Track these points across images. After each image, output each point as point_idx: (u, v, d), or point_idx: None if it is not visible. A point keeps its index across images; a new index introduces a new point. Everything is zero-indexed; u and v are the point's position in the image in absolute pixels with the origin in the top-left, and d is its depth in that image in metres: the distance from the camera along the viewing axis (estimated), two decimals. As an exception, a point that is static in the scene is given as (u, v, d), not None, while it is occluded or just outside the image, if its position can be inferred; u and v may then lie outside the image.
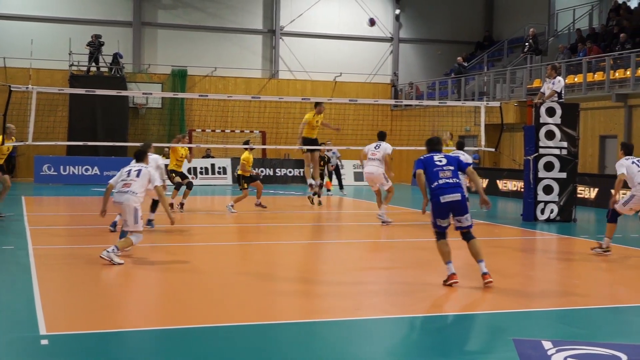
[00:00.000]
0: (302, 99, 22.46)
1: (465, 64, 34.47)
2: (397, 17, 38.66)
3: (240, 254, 12.62)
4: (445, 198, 9.36)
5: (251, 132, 34.17)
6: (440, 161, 9.61)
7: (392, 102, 33.60)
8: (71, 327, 7.35)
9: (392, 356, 6.70)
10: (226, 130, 33.59)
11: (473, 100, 30.58)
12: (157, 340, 7.03)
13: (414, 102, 32.49)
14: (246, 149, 19.19)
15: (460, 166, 9.72)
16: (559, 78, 18.35)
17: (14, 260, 11.27)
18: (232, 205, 18.66)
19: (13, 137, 17.00)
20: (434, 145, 10.02)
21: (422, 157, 9.82)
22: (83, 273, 10.37)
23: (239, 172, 19.19)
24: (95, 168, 29.30)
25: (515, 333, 7.23)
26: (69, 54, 32.02)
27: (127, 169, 11.45)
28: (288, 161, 32.85)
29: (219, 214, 19.18)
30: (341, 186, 26.94)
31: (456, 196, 9.40)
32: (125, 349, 6.69)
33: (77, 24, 33.78)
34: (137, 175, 11.24)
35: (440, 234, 9.57)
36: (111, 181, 11.51)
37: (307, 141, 18.73)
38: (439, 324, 7.92)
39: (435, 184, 9.45)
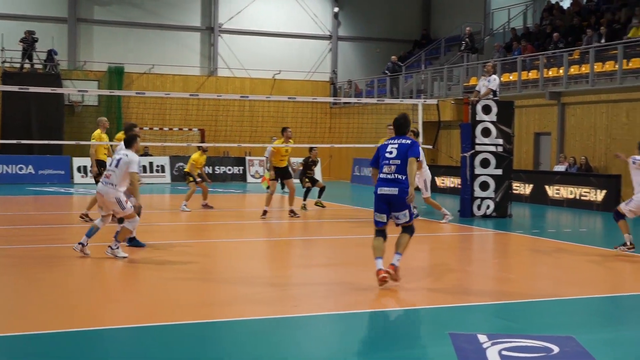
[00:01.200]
0: (241, 97, 22.38)
1: (400, 63, 34.78)
2: (335, 15, 38.80)
3: (181, 252, 12.49)
4: (382, 190, 9.19)
5: (190, 129, 33.94)
6: (390, 152, 9.30)
7: (331, 99, 33.71)
8: (16, 328, 7.19)
9: (331, 353, 6.73)
10: (164, 128, 33.29)
11: (411, 97, 30.86)
12: (106, 339, 6.93)
13: (353, 99, 32.62)
14: (199, 149, 19.27)
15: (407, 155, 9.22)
16: (495, 76, 18.68)
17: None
18: (185, 205, 18.63)
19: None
20: (398, 128, 9.65)
21: (379, 146, 9.59)
22: (22, 273, 10.17)
23: (187, 169, 19.24)
24: (30, 167, 28.74)
25: (451, 327, 7.34)
26: (1, 51, 31.34)
27: (115, 156, 11.44)
28: (227, 159, 32.72)
29: (160, 212, 18.96)
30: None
31: (393, 190, 9.13)
32: (74, 349, 6.57)
33: (9, 20, 33.09)
34: (116, 165, 11.18)
35: (378, 230, 9.35)
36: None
37: (278, 170, 17.88)
38: (377, 319, 7.99)
39: (379, 175, 9.32)
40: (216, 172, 31.54)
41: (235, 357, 6.47)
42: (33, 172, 28.64)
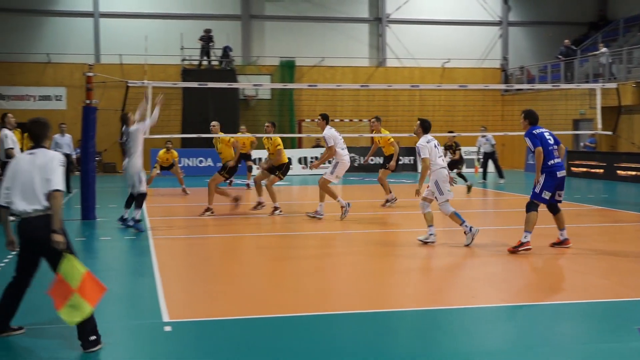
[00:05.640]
0: (412, 87, 22.26)
1: (574, 47, 33.43)
2: (505, 1, 37.85)
3: (350, 241, 12.60)
4: (561, 173, 10.64)
5: (360, 120, 34.22)
6: (550, 139, 10.73)
7: (503, 86, 32.91)
8: (193, 314, 7.54)
9: (523, 343, 6.58)
10: (335, 120, 33.71)
11: (587, 82, 29.64)
12: (277, 327, 7.12)
13: (526, 86, 31.76)
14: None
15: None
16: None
17: (136, 251, 11.67)
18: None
19: None
20: (538, 118, 11.04)
21: (535, 132, 10.76)
22: (201, 261, 10.64)
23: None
24: (209, 159, 29.95)
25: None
26: (181, 49, 32.83)
27: (432, 143, 11.85)
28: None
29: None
30: (500, 175, 25.44)
31: (564, 173, 10.76)
32: (246, 336, 6.80)
33: (188, 19, 34.62)
34: (442, 149, 12.07)
35: (537, 205, 10.66)
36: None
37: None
38: (564, 311, 7.71)
39: (552, 161, 10.59)
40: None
41: (413, 347, 6.47)
42: (212, 164, 29.81)
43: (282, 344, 6.52)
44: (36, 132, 6.66)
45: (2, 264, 9.94)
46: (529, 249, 10.58)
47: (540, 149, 10.52)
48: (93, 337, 6.28)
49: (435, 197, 11.58)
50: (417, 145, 11.87)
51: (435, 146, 11.81)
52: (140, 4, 34.53)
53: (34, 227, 6.33)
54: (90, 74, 15.54)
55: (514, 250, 10.63)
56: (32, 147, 6.61)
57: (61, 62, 33.43)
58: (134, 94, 16.61)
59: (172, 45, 33.48)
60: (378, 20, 36.83)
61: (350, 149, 31.35)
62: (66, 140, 22.48)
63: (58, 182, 6.37)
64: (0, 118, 15.48)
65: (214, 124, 17.16)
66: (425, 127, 12.01)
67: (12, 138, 14.94)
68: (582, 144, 30.83)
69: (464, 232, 11.47)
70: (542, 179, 10.58)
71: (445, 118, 31.55)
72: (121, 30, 34.12)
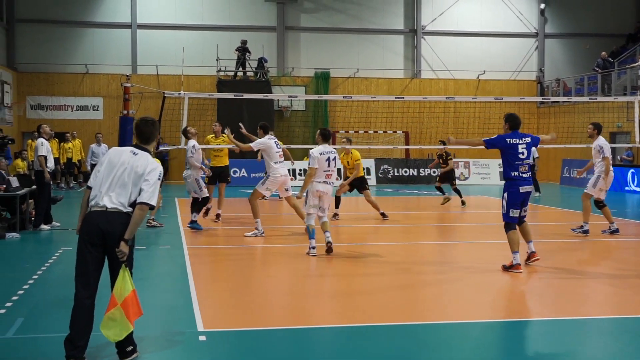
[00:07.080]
0: (447, 99, 22.23)
1: (611, 59, 33.10)
2: (542, 12, 37.63)
3: (390, 253, 12.58)
4: (524, 189, 10.35)
5: (394, 132, 34.19)
6: (522, 153, 10.36)
7: (539, 99, 32.69)
8: (227, 324, 7.59)
9: (556, 357, 6.54)
10: (369, 131, 33.74)
11: (625, 95, 29.34)
12: (310, 338, 7.13)
13: (562, 98, 31.51)
14: None
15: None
16: None
17: (171, 260, 11.76)
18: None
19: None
20: (519, 123, 10.65)
21: (507, 140, 10.43)
22: (235, 272, 10.69)
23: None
24: (243, 170, 30.12)
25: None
26: (217, 60, 33.08)
27: (325, 156, 11.86)
28: (431, 161, 32.54)
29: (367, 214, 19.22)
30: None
31: (531, 188, 10.54)
32: (278, 347, 6.83)
33: (224, 31, 34.87)
34: (335, 165, 11.94)
35: (511, 225, 10.46)
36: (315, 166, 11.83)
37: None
38: (597, 326, 7.63)
39: (515, 173, 10.35)
40: (421, 175, 31.51)
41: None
42: (246, 175, 29.99)
43: (314, 355, 6.54)
44: (145, 132, 6.54)
45: (31, 281, 10.10)
46: (520, 272, 10.19)
47: (485, 144, 10.51)
48: (130, 347, 6.34)
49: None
50: (310, 151, 12.00)
51: (327, 160, 11.81)
52: (177, 15, 34.89)
53: (109, 220, 6.15)
54: (128, 85, 15.74)
55: (505, 269, 10.36)
56: (136, 146, 6.48)
57: (98, 73, 33.90)
58: (170, 104, 16.74)
59: (208, 56, 33.79)
60: (413, 32, 36.79)
61: (384, 161, 31.65)
62: (102, 150, 22.83)
63: (151, 196, 6.22)
64: (36, 129, 15.76)
65: None
66: (323, 135, 12.13)
67: (47, 147, 15.23)
68: (618, 157, 30.50)
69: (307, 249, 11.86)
70: (505, 196, 10.45)
71: (480, 130, 31.43)
72: (158, 41, 34.49)
